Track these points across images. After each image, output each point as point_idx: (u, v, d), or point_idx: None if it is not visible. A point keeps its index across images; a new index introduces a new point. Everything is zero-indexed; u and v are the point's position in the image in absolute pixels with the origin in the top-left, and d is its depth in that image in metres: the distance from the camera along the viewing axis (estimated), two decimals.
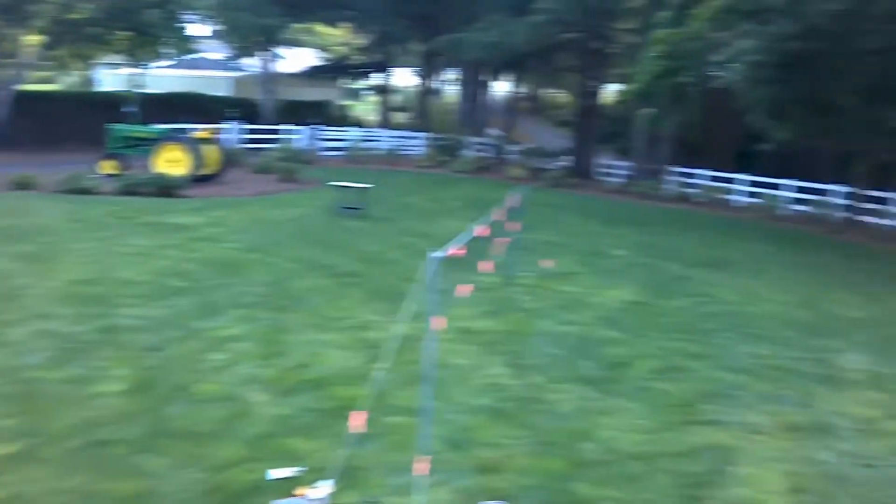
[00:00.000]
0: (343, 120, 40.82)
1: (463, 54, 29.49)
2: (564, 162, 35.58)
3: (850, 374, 8.11)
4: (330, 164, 28.17)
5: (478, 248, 12.38)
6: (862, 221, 21.85)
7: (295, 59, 40.59)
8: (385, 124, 38.35)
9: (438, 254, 5.39)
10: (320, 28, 41.42)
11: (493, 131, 46.69)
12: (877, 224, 21.04)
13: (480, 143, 38.23)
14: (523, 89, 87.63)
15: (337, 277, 11.04)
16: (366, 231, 14.91)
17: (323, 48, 42.87)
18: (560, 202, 22.38)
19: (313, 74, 36.80)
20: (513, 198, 10.45)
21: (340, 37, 42.75)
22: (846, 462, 5.97)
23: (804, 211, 23.44)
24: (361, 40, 40.32)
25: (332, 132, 32.69)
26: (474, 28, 27.96)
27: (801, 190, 24.74)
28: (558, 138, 40.74)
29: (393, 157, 30.84)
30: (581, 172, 33.79)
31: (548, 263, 12.05)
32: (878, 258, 16.84)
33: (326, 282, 10.82)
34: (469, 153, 35.51)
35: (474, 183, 25.88)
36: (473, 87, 40.82)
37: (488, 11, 28.68)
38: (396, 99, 68.55)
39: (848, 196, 22.80)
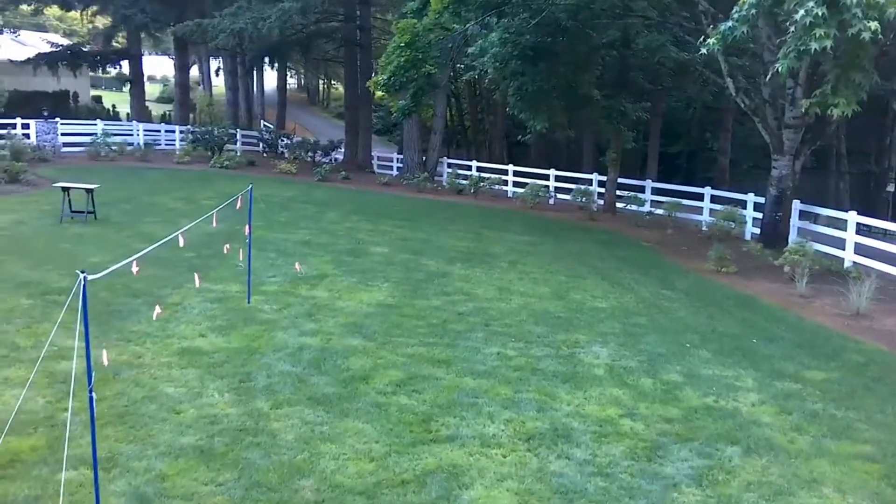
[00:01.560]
0: (94, 113, 37.13)
1: (209, 41, 27.59)
2: (339, 155, 34.78)
3: (593, 370, 7.97)
4: (71, 162, 25.24)
5: (216, 253, 11.22)
6: (619, 208, 23.07)
7: (24, 45, 36.04)
8: (141, 117, 35.24)
9: (95, 276, 4.29)
10: (53, 11, 37.08)
11: (267, 124, 44.82)
12: (633, 211, 22.25)
13: (249, 137, 36.37)
14: (301, 81, 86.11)
15: (43, 296, 9.38)
16: (91, 238, 13.11)
17: (65, 33, 38.54)
18: (327, 198, 21.50)
19: (48, 63, 32.76)
20: (243, 196, 9.37)
21: (77, 21, 38.64)
22: (582, 473, 5.62)
23: (568, 200, 24.37)
24: (101, 25, 36.59)
25: (76, 126, 29.37)
26: (224, 14, 26.24)
27: (561, 179, 25.75)
28: (340, 131, 39.86)
29: (148, 153, 28.27)
30: (357, 165, 33.18)
31: (298, 267, 11.09)
32: (629, 244, 17.63)
33: (28, 302, 9.14)
34: (235, 147, 33.60)
35: (236, 179, 24.21)
36: (243, 77, 38.74)
37: None
38: (158, 90, 64.14)
39: (603, 184, 24.02)
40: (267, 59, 35.47)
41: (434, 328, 9.16)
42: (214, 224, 10.12)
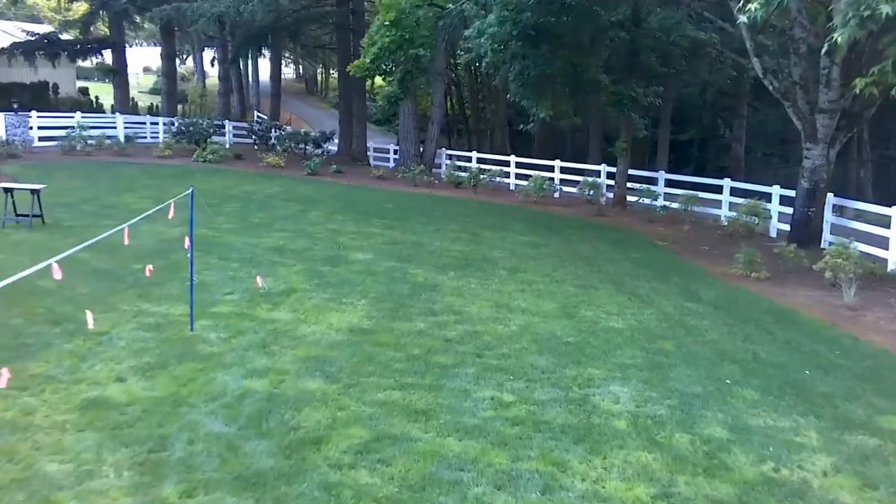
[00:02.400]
0: (79, 105, 35.42)
1: (189, 25, 25.80)
2: (334, 147, 33.02)
3: (612, 422, 6.26)
4: (43, 158, 23.57)
5: (171, 264, 9.47)
6: (628, 202, 21.32)
7: None
8: (125, 109, 33.50)
9: None
10: None
11: (260, 115, 43.06)
12: (644, 204, 20.49)
13: (241, 129, 34.62)
14: (300, 71, 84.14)
15: None
16: (30, 247, 11.41)
17: (47, 21, 36.78)
18: (313, 194, 19.77)
19: (23, 52, 30.97)
20: (176, 203, 7.68)
21: (54, 8, 36.89)
22: None
23: (574, 193, 22.61)
24: (79, 12, 34.79)
25: (53, 119, 27.66)
26: None
27: (566, 171, 23.99)
28: (338, 121, 37.95)
29: (128, 147, 26.57)
30: (352, 157, 31.43)
31: (260, 282, 9.40)
32: (643, 244, 15.88)
33: None
34: (225, 140, 31.88)
35: (218, 174, 22.57)
36: (229, 65, 36.94)
37: None
38: (153, 81, 62.20)
39: (612, 176, 22.25)
40: (256, 47, 33.60)
41: (415, 362, 7.46)
42: (171, 215, 8.41)
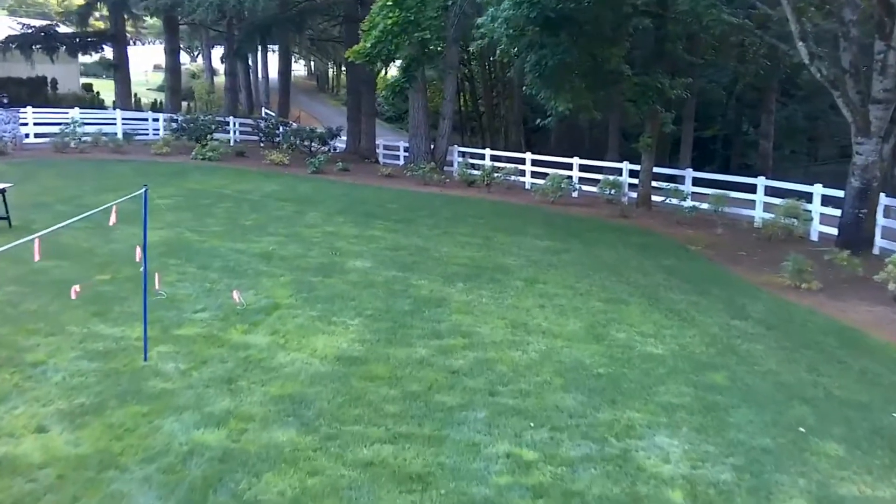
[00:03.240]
0: (81, 101, 34.32)
1: (186, 15, 24.51)
2: (342, 144, 31.70)
3: (663, 491, 4.85)
4: (33, 155, 22.39)
5: (139, 275, 8.04)
6: (653, 202, 19.84)
7: None
8: (126, 105, 32.30)
9: None
10: None
11: (268, 112, 41.84)
12: (669, 205, 18.99)
13: (247, 125, 33.37)
14: (311, 68, 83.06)
15: None
16: None
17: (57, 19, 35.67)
18: (313, 193, 18.41)
19: (19, 46, 29.76)
20: (117, 208, 6.33)
21: (64, 6, 35.80)
22: None
23: (594, 193, 21.14)
24: (75, 4, 33.59)
25: (48, 114, 26.46)
26: None
27: (585, 168, 22.54)
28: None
29: (125, 144, 25.32)
30: (360, 155, 30.10)
31: (237, 297, 8.05)
32: (674, 250, 14.41)
33: None
34: (229, 136, 30.63)
35: (218, 172, 21.27)
36: (232, 58, 35.67)
37: None
38: (157, 78, 61.17)
39: (634, 174, 20.77)
40: (260, 40, 32.30)
41: (412, 402, 6.07)
42: (113, 220, 7.12)
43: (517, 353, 7.43)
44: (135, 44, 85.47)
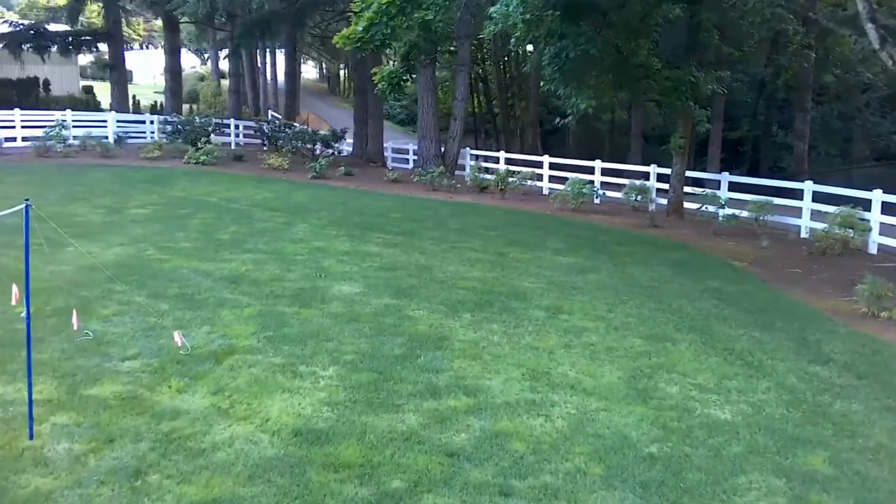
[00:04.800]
0: (79, 103, 32.84)
1: (175, 8, 22.84)
2: (349, 147, 29.95)
3: None
4: (11, 160, 20.78)
5: (68, 308, 6.21)
6: (684, 209, 17.87)
7: None
8: (122, 107, 30.70)
9: None
10: None
11: (275, 114, 40.25)
12: (705, 213, 17.01)
13: (247, 128, 31.73)
14: (323, 70, 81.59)
15: None
16: None
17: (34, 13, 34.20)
18: (308, 201, 16.60)
19: (7, 45, 28.20)
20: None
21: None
22: None
23: (618, 199, 19.22)
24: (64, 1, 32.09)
25: (36, 117, 24.89)
26: None
27: (608, 172, 20.61)
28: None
29: (114, 148, 23.68)
30: (367, 158, 28.32)
31: (179, 339, 6.24)
32: (718, 268, 12.45)
33: None
34: (227, 139, 28.96)
35: (207, 178, 19.54)
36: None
37: None
38: (161, 79, 59.76)
39: (663, 178, 18.80)
40: (260, 37, 30.61)
41: None
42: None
43: (538, 420, 5.57)
44: (146, 48, 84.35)
